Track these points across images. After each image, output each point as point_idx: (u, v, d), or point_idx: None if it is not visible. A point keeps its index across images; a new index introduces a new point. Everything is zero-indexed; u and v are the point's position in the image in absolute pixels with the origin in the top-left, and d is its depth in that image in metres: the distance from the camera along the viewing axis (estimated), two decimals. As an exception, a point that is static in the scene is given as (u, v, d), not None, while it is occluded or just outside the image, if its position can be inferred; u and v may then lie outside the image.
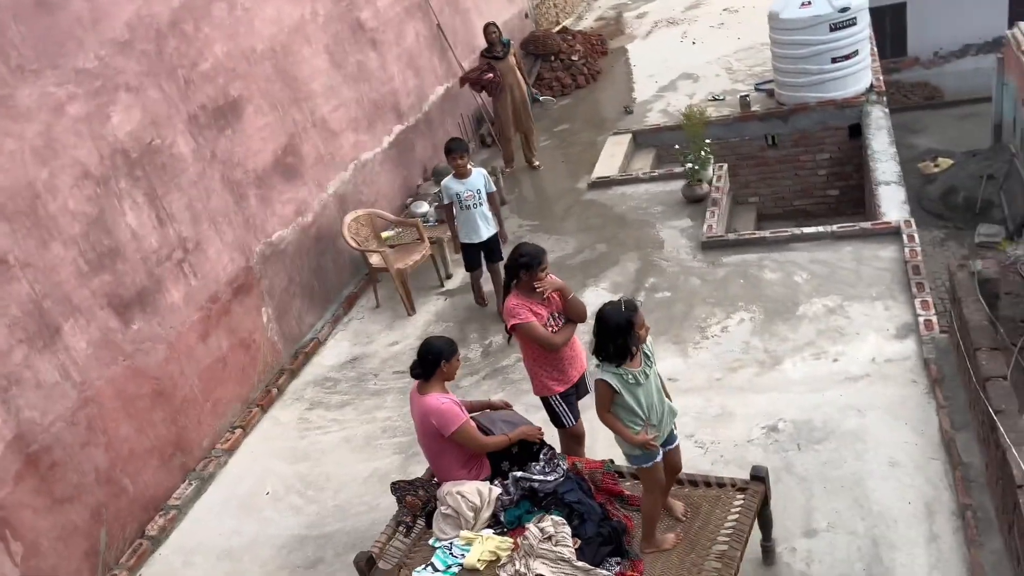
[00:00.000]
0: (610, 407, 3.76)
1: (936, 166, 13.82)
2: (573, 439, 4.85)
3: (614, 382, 3.69)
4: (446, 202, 6.76)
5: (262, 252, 6.91)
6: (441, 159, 9.95)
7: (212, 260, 6.35)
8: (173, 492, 5.76)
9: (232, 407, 6.41)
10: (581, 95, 12.08)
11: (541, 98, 11.85)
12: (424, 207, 8.52)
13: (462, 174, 6.62)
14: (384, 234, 8.15)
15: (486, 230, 6.75)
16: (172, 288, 5.96)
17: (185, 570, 5.20)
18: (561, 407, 4.72)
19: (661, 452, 3.86)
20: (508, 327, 4.53)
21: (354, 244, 7.56)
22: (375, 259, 7.60)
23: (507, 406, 4.78)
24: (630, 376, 3.70)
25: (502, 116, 9.75)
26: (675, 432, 4.00)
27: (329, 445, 6.01)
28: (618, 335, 3.64)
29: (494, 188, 6.86)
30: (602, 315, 3.69)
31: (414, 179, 9.42)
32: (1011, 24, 12.99)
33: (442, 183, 6.84)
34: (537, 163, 10.02)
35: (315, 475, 5.72)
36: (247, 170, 6.81)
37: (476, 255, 6.93)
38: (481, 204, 6.67)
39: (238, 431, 6.28)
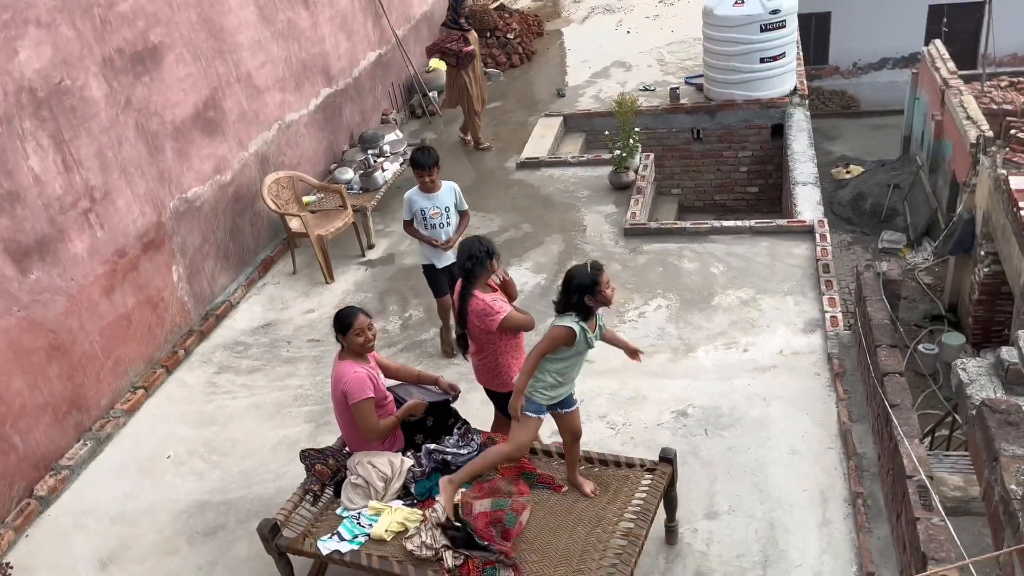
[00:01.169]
0: (547, 352, 3.80)
1: (848, 172, 14.44)
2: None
3: (578, 332, 3.73)
4: (406, 217, 5.85)
5: (176, 208, 6.63)
6: (370, 125, 9.80)
7: (121, 212, 6.05)
8: (66, 452, 5.49)
9: (135, 366, 6.16)
10: (515, 74, 12.04)
11: (491, 71, 11.68)
12: (349, 174, 8.36)
13: (429, 189, 5.73)
14: (306, 199, 7.95)
15: (453, 253, 5.60)
16: (76, 238, 5.65)
17: (75, 532, 4.97)
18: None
19: (545, 413, 3.94)
20: (495, 325, 4.30)
21: (274, 206, 7.35)
22: (295, 223, 7.41)
23: (453, 390, 4.60)
24: (588, 336, 3.79)
25: (471, 90, 9.41)
26: (574, 396, 4.07)
27: (237, 410, 5.85)
28: (582, 291, 3.70)
29: (466, 206, 5.93)
30: (571, 273, 3.77)
31: (340, 145, 9.21)
32: (927, 41, 13.62)
33: (405, 196, 5.87)
34: (486, 143, 9.81)
35: (220, 440, 5.57)
36: (164, 121, 6.50)
37: (442, 280, 5.89)
38: (448, 224, 5.74)
39: (140, 392, 6.04)
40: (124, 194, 6.08)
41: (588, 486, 4.08)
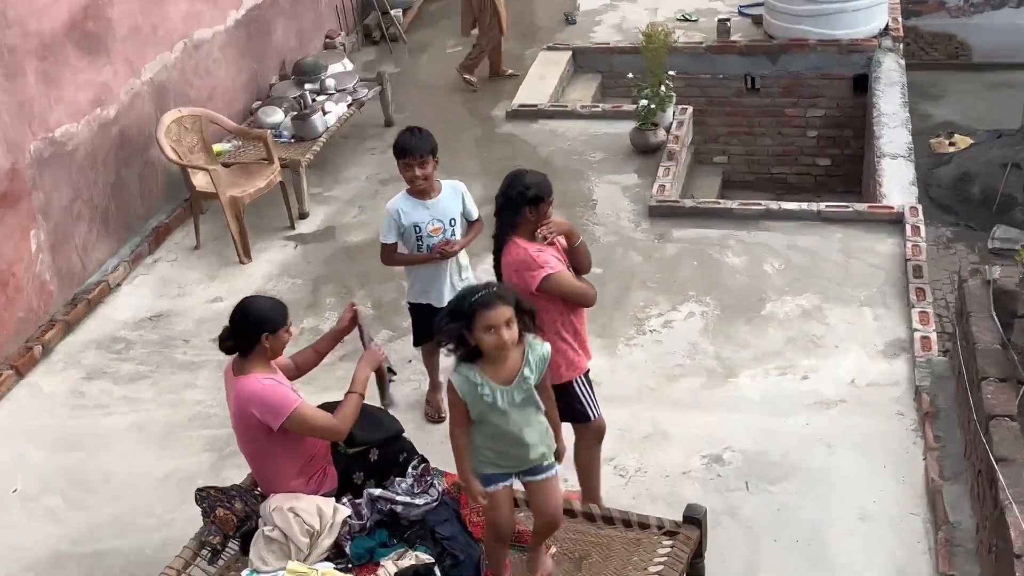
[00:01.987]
0: (462, 425, 3.80)
1: (952, 145, 14.48)
2: (594, 437, 4.79)
3: (459, 386, 3.67)
4: (387, 239, 5.27)
5: (38, 152, 6.57)
6: (309, 51, 9.76)
7: (-37, 154, 6.00)
8: None
9: (-26, 366, 6.12)
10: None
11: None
12: (278, 116, 8.33)
13: (422, 191, 5.17)
14: (217, 147, 7.92)
15: (457, 286, 5.21)
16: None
17: None
18: (586, 391, 4.67)
19: (504, 482, 3.88)
20: (535, 284, 4.29)
21: (173, 156, 7.31)
22: (201, 180, 7.38)
23: (352, 313, 4.64)
24: (486, 390, 3.66)
25: (501, 11, 9.60)
26: (546, 465, 3.93)
27: (112, 431, 5.83)
28: (456, 318, 3.64)
29: (478, 213, 5.43)
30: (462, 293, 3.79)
31: (267, 75, 9.18)
32: (1064, -28, 13.67)
33: (387, 206, 5.29)
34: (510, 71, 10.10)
35: (88, 471, 5.54)
36: (27, 33, 6.44)
37: (428, 324, 4.91)
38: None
39: (-22, 400, 6.01)
40: (-32, 129, 6.03)
41: (544, 568, 4.05)
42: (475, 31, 9.88)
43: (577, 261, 4.55)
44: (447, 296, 5.17)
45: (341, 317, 4.65)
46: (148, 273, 7.35)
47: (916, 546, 4.70)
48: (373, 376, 4.50)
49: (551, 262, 4.33)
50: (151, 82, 7.63)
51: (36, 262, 6.60)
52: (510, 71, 10.10)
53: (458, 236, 5.26)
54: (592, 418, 4.71)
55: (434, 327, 3.81)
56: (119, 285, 7.18)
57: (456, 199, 5.28)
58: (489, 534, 4.02)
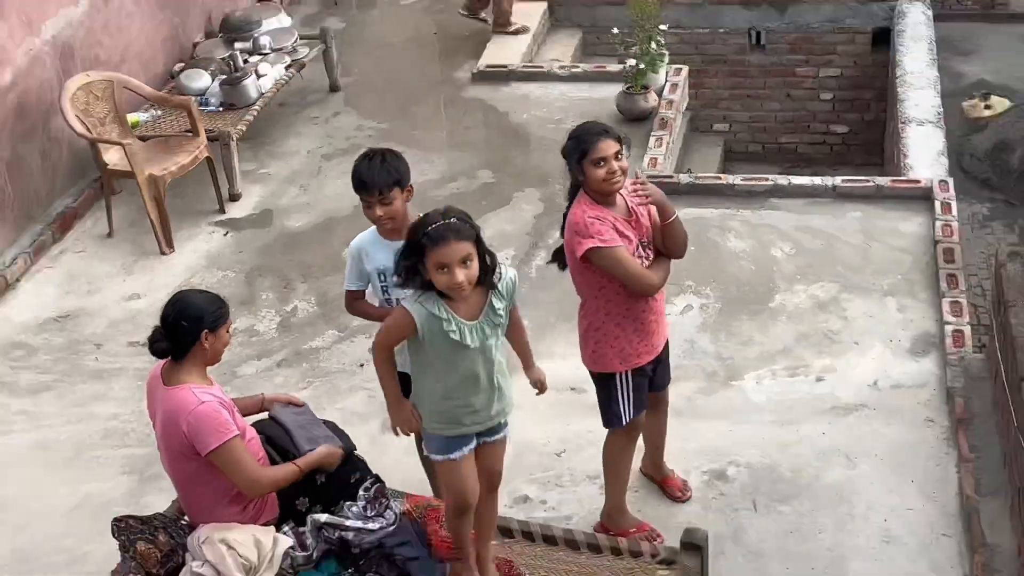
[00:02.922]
0: (392, 348, 3.94)
1: (988, 108, 14.60)
2: (627, 436, 4.84)
3: (417, 317, 3.73)
4: (350, 285, 4.78)
5: (-80, 124, 6.52)
6: (240, 4, 9.70)
7: None
8: None
9: None
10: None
11: None
12: (203, 80, 8.28)
13: (391, 232, 4.55)
14: (133, 117, 7.86)
15: None
16: None
17: None
18: (625, 391, 4.64)
19: (468, 447, 3.98)
20: (580, 252, 4.33)
21: (81, 128, 7.25)
22: (113, 156, 7.33)
23: (296, 403, 4.61)
24: (451, 325, 3.73)
25: None
26: (503, 423, 4.08)
27: (11, 453, 5.78)
28: (415, 252, 3.67)
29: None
30: (416, 222, 3.76)
31: (190, 34, 9.13)
32: (1115, -91, 13.81)
33: (350, 246, 4.77)
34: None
35: (-17, 499, 5.50)
36: (-95, -17, 6.38)
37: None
38: None
39: None
40: None
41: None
42: None
43: (670, 241, 4.52)
44: None
45: (290, 396, 4.71)
46: (52, 266, 7.29)
47: (950, 570, 4.74)
48: None
49: (605, 233, 4.29)
50: (53, 41, 7.56)
51: (-81, 254, 6.56)
52: (483, 15, 10.01)
53: None
54: (622, 422, 4.73)
55: (393, 267, 3.87)
56: (18, 281, 7.13)
57: None
58: (451, 511, 4.09)
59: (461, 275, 3.56)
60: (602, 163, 4.24)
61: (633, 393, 4.65)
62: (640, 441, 5.06)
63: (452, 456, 3.95)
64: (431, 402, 3.93)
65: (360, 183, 4.48)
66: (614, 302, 4.48)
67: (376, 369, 4.02)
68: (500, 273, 3.81)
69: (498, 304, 3.81)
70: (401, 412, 4.03)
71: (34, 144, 7.46)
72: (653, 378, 4.78)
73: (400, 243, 4.23)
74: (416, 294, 3.74)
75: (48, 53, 7.52)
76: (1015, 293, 5.29)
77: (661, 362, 4.80)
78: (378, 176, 4.43)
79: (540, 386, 4.30)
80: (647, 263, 4.46)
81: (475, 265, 3.63)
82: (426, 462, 4.71)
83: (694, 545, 4.17)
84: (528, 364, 4.28)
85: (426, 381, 3.91)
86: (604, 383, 4.67)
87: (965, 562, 4.78)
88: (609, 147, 4.24)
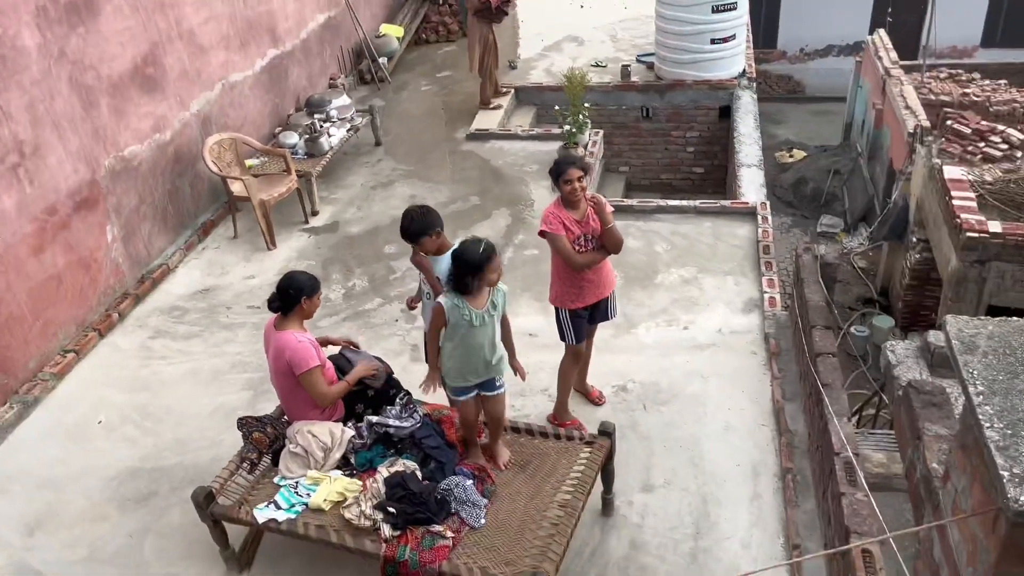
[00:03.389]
0: (439, 330, 3.95)
1: (791, 156, 14.71)
2: (572, 357, 4.86)
3: (447, 308, 3.84)
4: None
5: (111, 166, 6.40)
6: (317, 89, 9.60)
7: (52, 168, 5.81)
8: (-9, 415, 5.31)
9: (65, 329, 5.96)
10: (465, 44, 11.88)
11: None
12: (294, 138, 8.18)
13: (436, 251, 4.39)
14: (248, 162, 7.77)
15: None
16: (3, 195, 5.41)
17: (0, 497, 4.82)
18: (567, 323, 4.71)
19: (471, 394, 4.07)
20: (538, 231, 4.52)
21: (215, 169, 7.16)
22: (236, 187, 7.24)
23: (348, 344, 4.58)
24: (465, 312, 3.83)
25: (495, 46, 9.35)
26: (498, 381, 4.11)
27: (172, 377, 5.72)
28: (468, 271, 3.77)
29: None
30: (459, 250, 3.84)
31: (286, 108, 9.00)
32: (871, 30, 13.88)
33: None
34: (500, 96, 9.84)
35: (155, 407, 5.44)
36: (100, 76, 6.25)
37: None
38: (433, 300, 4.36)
39: (71, 355, 5.85)
40: (56, 150, 5.84)
41: (503, 457, 4.16)
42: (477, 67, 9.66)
43: (607, 240, 4.47)
44: None
45: (346, 339, 4.64)
46: (198, 258, 7.21)
47: (766, 448, 4.80)
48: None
49: (553, 224, 4.39)
50: (197, 113, 7.45)
51: (112, 250, 6.45)
52: (497, 100, 9.83)
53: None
54: (566, 341, 4.78)
55: (446, 278, 3.91)
56: (176, 267, 7.04)
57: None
58: (463, 428, 4.21)
59: (496, 276, 3.85)
60: (568, 183, 4.35)
61: (572, 325, 4.71)
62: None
63: (461, 398, 4.10)
64: (448, 365, 4.01)
65: (402, 232, 4.33)
66: (560, 263, 4.55)
67: (427, 345, 4.11)
68: (499, 287, 3.96)
69: (496, 302, 3.93)
70: (432, 379, 4.09)
71: (185, 179, 7.37)
72: (591, 317, 4.78)
73: (436, 257, 4.39)
74: (448, 294, 3.86)
75: (194, 120, 7.41)
76: (807, 273, 5.35)
77: (597, 308, 4.76)
78: (409, 227, 4.28)
79: (519, 373, 4.27)
80: (582, 250, 4.46)
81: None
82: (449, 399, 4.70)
83: (606, 432, 4.21)
84: (511, 356, 4.21)
85: (447, 350, 3.98)
86: (556, 313, 4.75)
87: (776, 442, 4.84)
88: (574, 173, 4.35)
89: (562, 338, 4.82)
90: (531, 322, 5.94)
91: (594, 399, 5.22)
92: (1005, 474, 1.55)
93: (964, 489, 1.85)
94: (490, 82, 9.63)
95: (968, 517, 1.81)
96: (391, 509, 3.74)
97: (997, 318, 1.87)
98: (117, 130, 6.45)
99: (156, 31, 6.84)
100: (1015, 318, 1.86)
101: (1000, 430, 1.62)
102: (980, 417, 1.66)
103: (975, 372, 1.74)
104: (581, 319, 4.73)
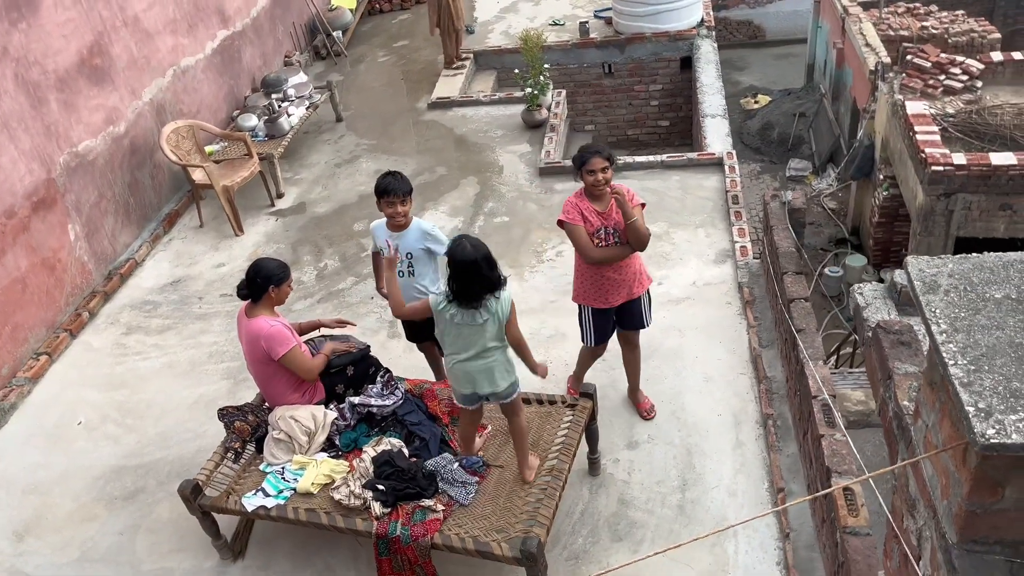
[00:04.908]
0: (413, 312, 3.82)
1: (756, 102, 14.69)
2: (587, 353, 4.65)
3: (432, 303, 3.63)
4: (374, 249, 4.67)
5: (67, 163, 6.26)
6: (273, 68, 9.41)
7: (6, 170, 5.69)
8: (-33, 425, 5.25)
9: (35, 332, 5.88)
10: (421, 11, 11.69)
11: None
12: (252, 120, 8.05)
13: (398, 226, 4.39)
14: (208, 148, 7.65)
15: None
16: (-43, 200, 5.30)
17: (-15, 508, 4.79)
18: (588, 322, 4.43)
19: (473, 405, 3.80)
20: (557, 220, 4.23)
21: (174, 158, 7.03)
22: (198, 175, 7.12)
23: (341, 324, 4.58)
24: (443, 308, 3.56)
25: (454, 10, 9.22)
26: (502, 393, 3.74)
27: (149, 371, 5.68)
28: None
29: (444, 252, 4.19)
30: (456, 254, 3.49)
31: (242, 90, 8.84)
32: (827, -30, 13.78)
33: (372, 224, 4.61)
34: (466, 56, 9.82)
35: (134, 403, 5.40)
36: (46, 71, 6.08)
37: (414, 327, 4.64)
38: (413, 273, 4.41)
39: (43, 358, 5.79)
40: (7, 151, 5.70)
41: (529, 474, 3.86)
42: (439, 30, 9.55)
43: (630, 235, 4.11)
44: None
45: (337, 319, 4.60)
46: (165, 249, 7.12)
47: (746, 396, 4.86)
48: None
49: (571, 213, 4.12)
50: (151, 102, 7.30)
51: (75, 248, 6.34)
52: (459, 61, 9.81)
53: (417, 272, 4.41)
54: (584, 342, 4.52)
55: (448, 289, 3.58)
56: (143, 260, 6.95)
57: (417, 237, 4.36)
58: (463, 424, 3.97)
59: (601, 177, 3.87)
60: (592, 173, 4.05)
61: (593, 324, 4.41)
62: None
63: (459, 405, 3.86)
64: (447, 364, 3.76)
65: (387, 190, 4.26)
66: (580, 260, 4.27)
67: (398, 308, 3.85)
68: (500, 295, 3.56)
69: (491, 304, 3.54)
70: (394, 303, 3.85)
71: (145, 170, 7.24)
72: (620, 320, 4.44)
73: (397, 233, 4.34)
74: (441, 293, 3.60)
75: (148, 110, 7.26)
76: (775, 220, 5.37)
77: (626, 311, 4.40)
78: (400, 186, 4.29)
79: (540, 372, 3.87)
80: (602, 243, 4.14)
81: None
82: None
83: (588, 394, 4.23)
84: (528, 364, 3.82)
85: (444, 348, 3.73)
86: (579, 312, 4.48)
87: (755, 388, 4.89)
88: (598, 163, 4.03)
89: (581, 339, 4.55)
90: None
91: (643, 412, 4.77)
92: (971, 409, 1.58)
93: (934, 425, 1.89)
94: (450, 40, 9.51)
95: (939, 452, 1.86)
96: (380, 487, 3.76)
97: (957, 255, 1.89)
98: (69, 125, 6.30)
99: (100, 20, 6.66)
100: (974, 255, 1.88)
101: (964, 366, 1.65)
102: (944, 355, 1.68)
103: (937, 311, 1.77)
104: (605, 320, 4.39)
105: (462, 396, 3.80)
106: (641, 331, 4.61)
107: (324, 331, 4.56)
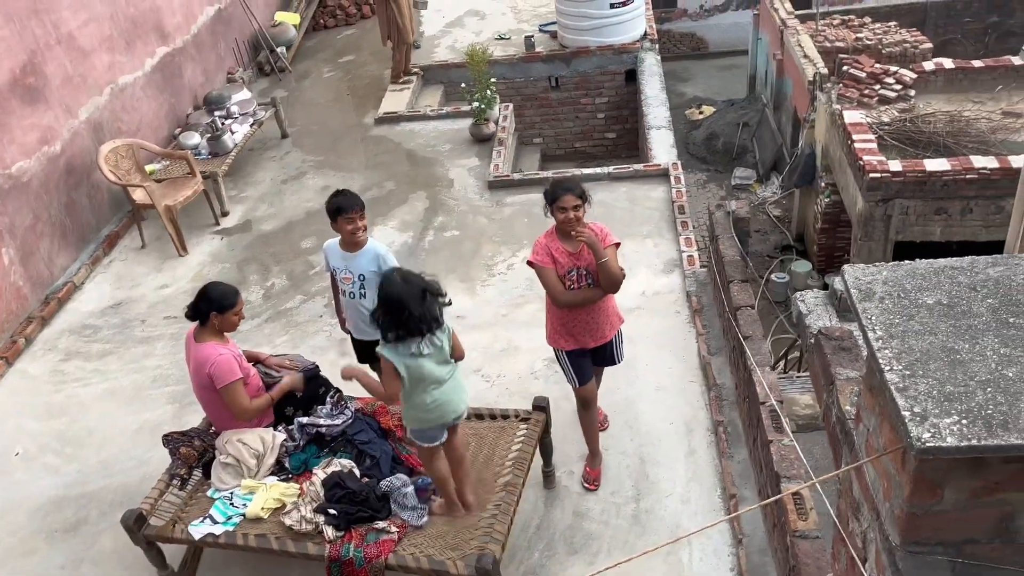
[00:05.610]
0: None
1: (701, 113, 14.96)
2: (580, 403, 4.35)
3: (399, 367, 3.36)
4: (326, 271, 4.60)
5: (-1, 185, 6.08)
6: (215, 85, 9.27)
7: (-66, 193, 5.49)
8: None
9: (-32, 361, 5.67)
10: (367, 26, 11.67)
11: (421, 0, 10.95)
12: (195, 138, 7.91)
13: (352, 244, 4.35)
14: (149, 167, 7.48)
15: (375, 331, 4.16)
16: None
17: (-84, 547, 4.58)
18: (565, 364, 4.21)
19: (440, 437, 3.65)
20: (527, 261, 4.04)
21: (113, 178, 6.86)
22: (139, 195, 6.96)
23: (281, 366, 4.36)
24: (411, 361, 3.37)
25: (400, 22, 9.15)
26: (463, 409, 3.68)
27: (90, 398, 5.51)
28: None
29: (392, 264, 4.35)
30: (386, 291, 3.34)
31: (183, 108, 8.68)
32: (766, -17, 14.13)
33: (325, 244, 4.55)
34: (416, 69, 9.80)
35: (75, 431, 5.24)
36: (-25, 89, 5.90)
37: (366, 349, 4.56)
38: (365, 295, 4.34)
39: (-23, 388, 5.58)
40: (-65, 173, 5.51)
41: (466, 502, 3.76)
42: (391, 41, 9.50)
43: (601, 276, 3.91)
44: (369, 332, 4.34)
45: (292, 362, 4.38)
46: (106, 271, 6.93)
47: (696, 403, 4.91)
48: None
49: (540, 254, 3.91)
50: (87, 121, 7.12)
51: (10, 273, 6.14)
52: (412, 72, 9.83)
53: (369, 294, 4.31)
54: (572, 386, 4.29)
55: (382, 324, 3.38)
56: (82, 284, 6.76)
57: (371, 259, 4.31)
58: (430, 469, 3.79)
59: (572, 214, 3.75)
60: (563, 211, 3.81)
61: (571, 364, 4.19)
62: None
63: (428, 445, 3.67)
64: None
65: (341, 208, 4.19)
66: (550, 302, 4.08)
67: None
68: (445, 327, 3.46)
69: (438, 341, 3.42)
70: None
71: (82, 191, 7.05)
72: (594, 359, 4.26)
73: (351, 254, 4.29)
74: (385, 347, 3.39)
75: (84, 129, 7.08)
76: (721, 229, 5.46)
77: (598, 350, 4.20)
78: (355, 201, 4.25)
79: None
80: (574, 285, 3.94)
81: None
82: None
83: (541, 407, 4.23)
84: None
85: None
86: (554, 354, 4.27)
87: (705, 396, 4.95)
88: (569, 201, 3.79)
89: (569, 383, 4.31)
90: (457, 304, 5.89)
91: (591, 480, 4.49)
92: (907, 414, 1.62)
93: (875, 429, 1.93)
94: (399, 54, 9.50)
95: (880, 456, 1.89)
96: (332, 511, 3.70)
97: (891, 263, 1.94)
98: (1, 146, 6.11)
99: (33, 38, 6.48)
100: (907, 262, 1.93)
101: (899, 371, 1.69)
102: (880, 360, 1.72)
103: (873, 317, 1.81)
104: (583, 358, 4.18)
105: (439, 428, 3.59)
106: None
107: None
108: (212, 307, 3.93)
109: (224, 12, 9.77)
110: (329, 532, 3.66)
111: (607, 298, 4.08)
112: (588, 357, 4.20)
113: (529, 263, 4.02)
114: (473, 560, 3.44)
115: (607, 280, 3.92)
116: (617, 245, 4.00)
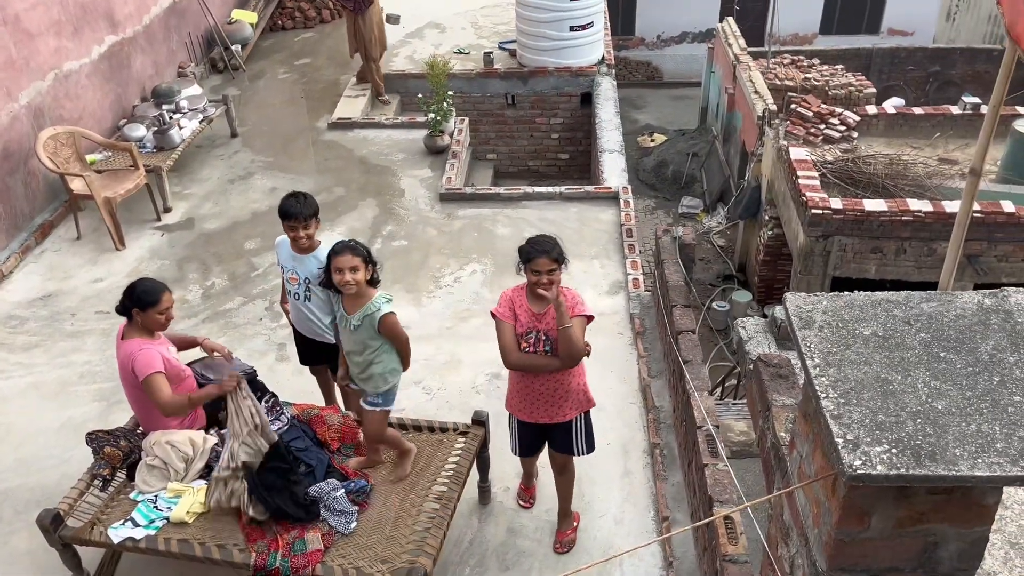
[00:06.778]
0: None
1: (652, 140, 15.22)
2: (522, 466, 4.23)
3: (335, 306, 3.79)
4: (279, 263, 4.51)
5: (-72, 165, 5.82)
6: (165, 78, 9.07)
7: None
8: None
9: None
10: (326, 30, 11.59)
11: (391, 14, 10.69)
12: (140, 131, 7.72)
13: (301, 249, 4.28)
14: (90, 157, 7.26)
15: (324, 331, 4.40)
16: None
17: None
18: (512, 429, 4.00)
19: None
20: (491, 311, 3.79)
21: (51, 165, 6.64)
22: (77, 184, 6.74)
23: (228, 357, 4.24)
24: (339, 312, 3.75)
25: (367, 36, 9.08)
26: (368, 398, 3.79)
27: (11, 392, 5.29)
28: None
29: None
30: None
31: (130, 99, 8.46)
32: (721, 18, 14.53)
33: (277, 239, 4.48)
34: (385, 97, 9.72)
35: (-8, 426, 5.01)
36: (-91, 64, 5.66)
37: (308, 350, 4.57)
38: (310, 299, 4.31)
39: None
40: None
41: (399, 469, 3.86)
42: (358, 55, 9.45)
43: (560, 344, 3.61)
44: (314, 331, 4.41)
45: (224, 351, 4.20)
46: (36, 261, 6.68)
47: (634, 425, 4.95)
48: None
49: (503, 307, 3.69)
50: (28, 106, 6.88)
51: (-67, 257, 5.88)
52: (385, 97, 9.75)
53: (314, 298, 4.30)
54: (514, 452, 4.13)
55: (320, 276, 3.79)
56: (11, 273, 6.50)
57: (319, 264, 4.13)
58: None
59: (348, 276, 3.56)
60: (536, 273, 3.56)
61: (516, 434, 4.00)
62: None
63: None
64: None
65: (287, 214, 4.13)
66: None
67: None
68: (369, 306, 3.65)
69: (356, 320, 3.66)
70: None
71: (18, 177, 6.80)
72: (549, 438, 3.95)
73: (301, 256, 4.26)
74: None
75: (24, 113, 6.83)
76: (666, 254, 5.54)
77: (554, 430, 3.90)
78: (302, 209, 4.15)
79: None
80: (530, 349, 3.64)
81: (360, 274, 3.59)
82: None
83: (480, 421, 4.20)
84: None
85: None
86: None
87: (643, 418, 4.99)
88: (544, 264, 3.55)
89: (511, 446, 4.12)
90: (403, 314, 5.84)
91: (556, 542, 4.20)
92: (840, 441, 1.65)
93: (808, 456, 1.97)
94: (369, 70, 9.46)
95: (812, 482, 1.93)
96: (266, 498, 3.59)
97: (831, 293, 1.99)
98: (-67, 125, 5.87)
99: (-26, 15, 6.25)
100: (846, 293, 1.98)
101: (835, 399, 1.73)
102: (817, 388, 1.76)
103: (812, 345, 1.85)
104: (528, 432, 3.94)
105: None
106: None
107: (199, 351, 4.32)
108: (135, 304, 3.81)
109: (178, 5, 9.58)
110: (250, 509, 3.56)
111: (571, 374, 3.75)
112: (538, 433, 3.93)
113: (492, 314, 3.78)
114: (403, 573, 3.39)
115: (566, 350, 3.59)
116: (589, 319, 3.69)
